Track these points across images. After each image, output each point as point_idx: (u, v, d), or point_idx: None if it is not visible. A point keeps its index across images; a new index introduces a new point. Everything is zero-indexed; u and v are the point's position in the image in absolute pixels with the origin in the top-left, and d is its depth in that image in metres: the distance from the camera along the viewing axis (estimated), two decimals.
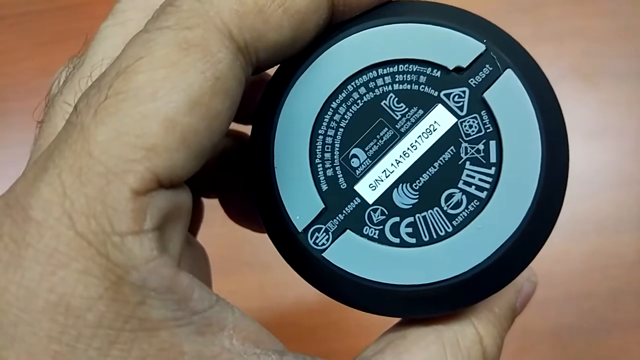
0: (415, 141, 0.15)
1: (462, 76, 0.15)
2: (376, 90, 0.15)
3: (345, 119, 0.15)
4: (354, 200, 0.15)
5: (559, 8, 0.41)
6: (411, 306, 0.15)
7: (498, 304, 0.17)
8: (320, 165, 0.15)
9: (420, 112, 0.15)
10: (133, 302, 0.12)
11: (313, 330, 0.36)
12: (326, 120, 0.15)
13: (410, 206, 0.15)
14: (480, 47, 0.15)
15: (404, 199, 0.15)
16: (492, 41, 0.15)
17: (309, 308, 0.36)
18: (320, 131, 0.15)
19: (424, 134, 0.15)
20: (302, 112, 0.15)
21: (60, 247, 0.12)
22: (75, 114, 0.13)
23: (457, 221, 0.15)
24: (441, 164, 0.15)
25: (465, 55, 0.15)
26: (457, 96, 0.15)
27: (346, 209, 0.15)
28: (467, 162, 0.15)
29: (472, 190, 0.15)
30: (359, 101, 0.15)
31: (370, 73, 0.15)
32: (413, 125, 0.15)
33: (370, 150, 0.15)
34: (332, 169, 0.15)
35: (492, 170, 0.15)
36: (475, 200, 0.15)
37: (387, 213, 0.15)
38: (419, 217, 0.15)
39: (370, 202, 0.15)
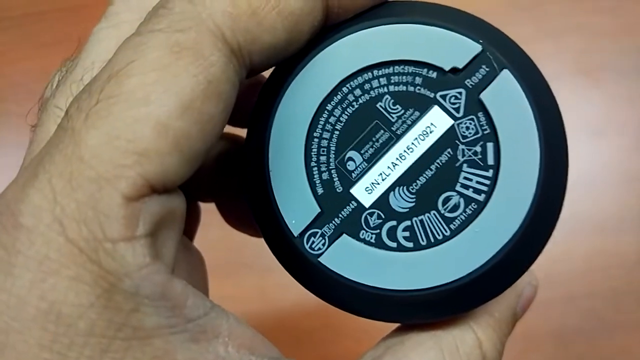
0: (412, 143, 0.15)
1: (458, 77, 0.15)
2: (372, 92, 0.15)
3: (341, 122, 0.15)
4: (350, 204, 0.15)
5: (560, 5, 0.41)
6: (408, 311, 0.15)
7: (498, 308, 0.17)
8: (316, 168, 0.15)
9: (417, 114, 0.15)
10: (126, 309, 0.12)
11: (312, 333, 0.36)
12: (321, 122, 0.15)
13: (407, 210, 0.15)
14: (477, 48, 0.15)
15: (400, 202, 0.15)
16: (489, 41, 0.15)
17: (308, 311, 0.35)
18: (315, 134, 0.15)
19: (420, 136, 0.15)
20: (297, 115, 0.15)
21: (50, 254, 0.12)
22: (66, 119, 0.13)
23: (454, 225, 0.15)
24: (438, 166, 0.15)
25: (462, 56, 0.15)
26: (453, 97, 0.15)
27: (342, 212, 0.15)
28: (465, 165, 0.15)
29: (469, 193, 0.15)
30: (354, 103, 0.15)
31: (366, 75, 0.15)
32: (409, 127, 0.15)
33: (366, 153, 0.15)
34: (327, 173, 0.15)
35: (490, 173, 0.15)
36: (473, 203, 0.15)
37: (383, 217, 0.15)
38: (416, 221, 0.15)
39: (367, 205, 0.15)
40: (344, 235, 0.15)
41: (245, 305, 0.35)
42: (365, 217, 0.15)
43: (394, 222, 0.15)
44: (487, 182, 0.15)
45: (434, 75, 0.15)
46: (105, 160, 0.12)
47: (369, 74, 0.15)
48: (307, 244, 0.15)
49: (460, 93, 0.15)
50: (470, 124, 0.15)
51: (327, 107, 0.15)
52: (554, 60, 0.40)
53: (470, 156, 0.15)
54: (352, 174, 0.15)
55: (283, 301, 0.36)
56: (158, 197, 0.12)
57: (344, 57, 0.15)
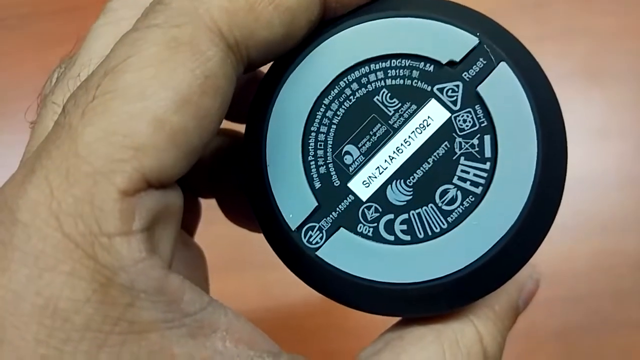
0: (409, 137, 0.15)
1: (455, 70, 0.15)
2: (369, 86, 0.15)
3: (338, 116, 0.15)
4: (348, 198, 0.15)
5: (565, 6, 0.41)
6: (406, 305, 0.15)
7: (498, 302, 0.17)
8: (313, 162, 0.15)
9: (414, 107, 0.15)
10: (122, 304, 0.12)
11: (316, 330, 0.36)
12: (318, 117, 0.15)
13: (405, 203, 0.15)
14: (474, 41, 0.15)
15: (398, 195, 0.15)
16: (486, 34, 0.15)
17: (312, 308, 0.35)
18: (312, 128, 0.15)
19: (417, 130, 0.15)
20: (294, 110, 0.15)
21: (47, 249, 0.12)
22: (63, 115, 0.13)
23: (452, 217, 0.15)
24: (435, 159, 0.15)
25: (458, 48, 0.15)
26: (450, 90, 0.15)
27: (340, 206, 0.15)
28: (462, 158, 0.15)
29: (467, 185, 0.15)
30: (351, 97, 0.15)
31: (363, 69, 0.15)
32: (406, 120, 0.15)
33: (364, 147, 0.15)
34: (325, 167, 0.15)
35: (487, 165, 0.15)
36: (471, 196, 0.15)
37: (381, 210, 0.15)
38: (413, 214, 0.15)
39: (364, 199, 0.15)
40: (342, 229, 0.15)
41: (248, 301, 0.35)
42: (363, 210, 0.15)
43: (391, 216, 0.15)
44: (485, 174, 0.15)
45: (431, 68, 0.15)
46: (102, 155, 0.12)
47: (366, 67, 0.15)
48: (304, 237, 0.15)
49: (457, 86, 0.15)
50: (468, 116, 0.15)
51: (324, 101, 0.15)
52: (559, 61, 0.40)
53: (467, 149, 0.15)
54: (350, 167, 0.15)
55: (286, 297, 0.36)
56: (154, 192, 0.12)
57: (341, 51, 0.15)
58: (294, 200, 0.15)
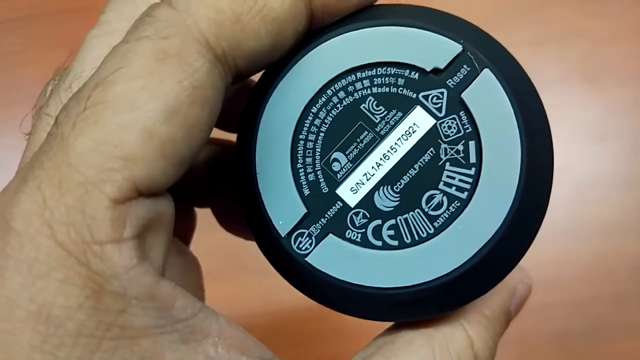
0: (395, 144, 0.15)
1: (440, 77, 0.15)
2: (355, 94, 0.15)
3: (326, 124, 0.15)
4: (336, 204, 0.15)
5: (562, 9, 0.41)
6: (396, 309, 0.15)
7: (490, 306, 0.17)
8: (302, 170, 0.15)
9: (400, 114, 0.15)
10: (114, 310, 0.12)
11: (313, 336, 0.36)
12: (307, 125, 0.15)
13: (392, 209, 0.15)
14: (458, 48, 0.15)
15: (385, 201, 0.15)
16: (470, 41, 0.15)
17: (308, 313, 0.35)
18: (301, 136, 0.15)
19: (403, 137, 0.15)
20: (283, 118, 0.15)
21: (40, 257, 0.12)
22: (55, 126, 0.13)
23: (438, 222, 0.15)
24: (421, 165, 0.15)
25: (443, 56, 0.15)
26: (435, 97, 0.15)
27: (328, 213, 0.15)
28: (447, 163, 0.15)
29: (452, 191, 0.15)
30: (338, 105, 0.15)
31: (349, 77, 0.15)
32: (392, 127, 0.15)
33: (351, 154, 0.15)
34: (313, 174, 0.15)
35: (472, 171, 0.15)
36: (456, 201, 0.15)
37: (369, 216, 0.15)
38: (400, 220, 0.15)
39: (352, 205, 0.15)
40: (330, 235, 0.15)
41: (246, 307, 0.36)
42: (351, 216, 0.15)
43: (379, 221, 0.15)
44: (470, 180, 0.15)
45: (416, 76, 0.15)
46: (93, 165, 0.12)
47: (353, 76, 0.15)
48: (294, 244, 0.15)
49: (442, 93, 0.15)
50: (452, 123, 0.15)
51: (312, 110, 0.15)
52: (556, 64, 0.40)
53: (452, 155, 0.15)
54: (338, 174, 0.15)
55: (284, 303, 0.36)
56: (145, 201, 0.13)
57: (327, 60, 0.15)
58: (284, 207, 0.15)
